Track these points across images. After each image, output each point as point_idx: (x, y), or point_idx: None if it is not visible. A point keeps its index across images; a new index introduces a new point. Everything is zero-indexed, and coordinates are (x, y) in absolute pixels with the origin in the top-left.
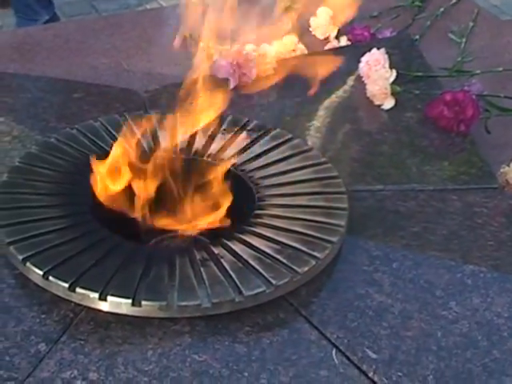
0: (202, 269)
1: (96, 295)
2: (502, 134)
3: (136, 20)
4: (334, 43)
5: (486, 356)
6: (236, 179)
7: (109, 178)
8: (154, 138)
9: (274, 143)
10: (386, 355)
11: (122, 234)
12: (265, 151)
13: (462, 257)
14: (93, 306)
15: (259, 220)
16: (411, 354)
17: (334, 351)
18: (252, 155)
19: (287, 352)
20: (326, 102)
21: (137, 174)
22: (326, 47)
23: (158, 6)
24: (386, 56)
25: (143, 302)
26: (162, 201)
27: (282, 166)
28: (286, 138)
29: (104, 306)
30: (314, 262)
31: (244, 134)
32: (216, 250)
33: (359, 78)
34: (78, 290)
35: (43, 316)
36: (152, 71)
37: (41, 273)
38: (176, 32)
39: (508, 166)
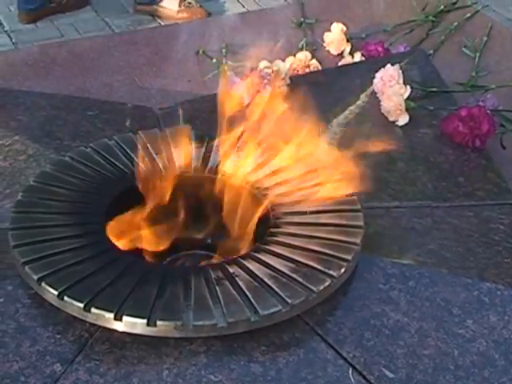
0: (217, 288)
1: (111, 315)
2: None
3: (150, 36)
4: (347, 59)
5: (503, 375)
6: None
7: None
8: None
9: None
10: (403, 374)
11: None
12: (279, 168)
13: (479, 274)
14: (108, 325)
15: (274, 238)
16: (428, 373)
17: (350, 370)
18: (266, 172)
19: (303, 371)
20: (341, 119)
21: None
22: (340, 63)
23: (171, 22)
24: (400, 72)
25: (158, 322)
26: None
27: (296, 184)
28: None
29: (119, 326)
30: (329, 281)
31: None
32: (231, 269)
33: (373, 94)
34: (93, 310)
35: (58, 336)
36: (166, 88)
37: (56, 293)
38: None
39: None
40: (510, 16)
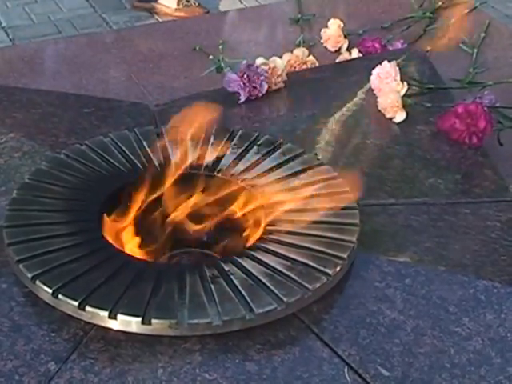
0: (212, 286)
1: (106, 313)
2: None
3: (147, 33)
4: (345, 55)
5: (500, 373)
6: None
7: None
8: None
9: (285, 158)
10: (399, 372)
11: None
12: (275, 166)
13: (475, 272)
14: (103, 324)
15: (269, 236)
16: (424, 372)
17: (346, 369)
18: (262, 170)
19: (299, 370)
20: (337, 116)
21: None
22: (337, 59)
23: (168, 19)
24: (397, 68)
25: (153, 320)
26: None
27: (292, 181)
28: (297, 152)
29: (114, 325)
30: (325, 279)
31: (254, 149)
32: (226, 267)
33: (370, 91)
34: (88, 308)
35: (53, 334)
36: (162, 85)
37: (50, 291)
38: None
39: None
40: (508, 12)
